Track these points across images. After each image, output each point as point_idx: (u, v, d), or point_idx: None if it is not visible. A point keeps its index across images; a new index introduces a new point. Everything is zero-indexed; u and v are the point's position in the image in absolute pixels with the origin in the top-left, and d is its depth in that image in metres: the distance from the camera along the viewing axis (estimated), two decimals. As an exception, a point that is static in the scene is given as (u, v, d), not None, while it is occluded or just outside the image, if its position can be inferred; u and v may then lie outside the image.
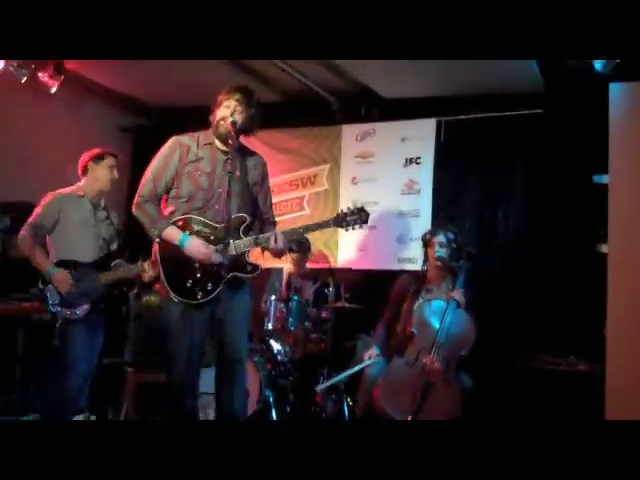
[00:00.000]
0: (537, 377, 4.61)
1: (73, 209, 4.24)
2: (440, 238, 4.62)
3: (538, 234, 5.58)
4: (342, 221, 3.56)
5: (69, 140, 6.27)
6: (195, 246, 3.41)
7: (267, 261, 5.07)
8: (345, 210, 3.59)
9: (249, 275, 3.53)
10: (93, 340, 4.23)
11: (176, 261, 3.44)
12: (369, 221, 6.21)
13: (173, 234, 3.45)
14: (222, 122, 3.50)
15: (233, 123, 3.45)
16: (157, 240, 3.49)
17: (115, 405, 5.01)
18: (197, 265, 3.43)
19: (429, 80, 5.75)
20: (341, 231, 6.38)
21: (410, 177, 6.31)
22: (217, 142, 3.58)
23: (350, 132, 6.55)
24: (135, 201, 3.55)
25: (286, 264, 5.86)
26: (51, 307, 4.04)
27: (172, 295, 3.42)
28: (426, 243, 4.71)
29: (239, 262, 3.48)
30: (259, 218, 3.72)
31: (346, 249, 6.48)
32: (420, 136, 6.26)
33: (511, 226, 5.82)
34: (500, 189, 5.96)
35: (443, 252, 4.57)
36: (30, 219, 4.21)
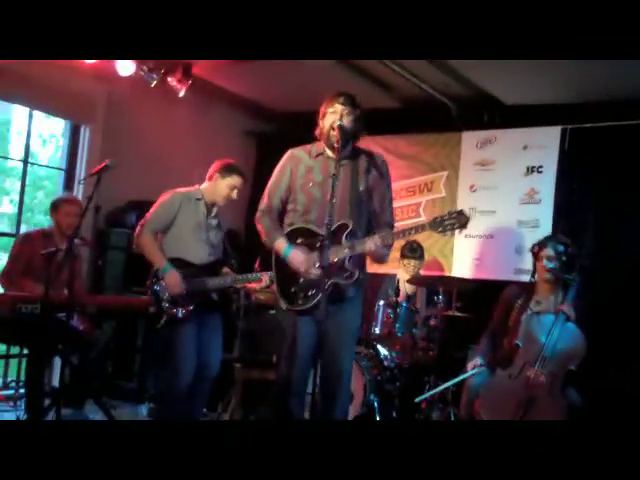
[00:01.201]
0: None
1: (189, 210, 4.27)
2: (549, 250, 4.48)
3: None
4: (439, 225, 3.36)
5: (196, 143, 6.58)
6: (294, 257, 3.51)
7: (382, 267, 5.12)
8: (443, 214, 3.42)
9: (347, 282, 3.48)
10: (205, 340, 4.20)
11: (285, 269, 3.57)
12: (486, 230, 6.26)
13: (280, 246, 3.57)
14: (332, 131, 3.51)
15: (340, 127, 3.46)
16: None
17: (225, 399, 5.16)
18: (300, 273, 3.52)
19: (552, 86, 5.59)
20: (457, 238, 6.40)
21: (531, 186, 6.16)
22: (328, 151, 3.62)
23: (470, 139, 6.47)
24: (256, 215, 3.72)
25: (399, 270, 5.87)
26: (158, 303, 4.12)
27: (280, 302, 3.57)
28: (535, 254, 4.59)
29: (339, 269, 3.46)
30: (375, 220, 3.66)
31: (461, 257, 6.41)
32: (543, 144, 6.10)
33: (636, 240, 5.55)
34: (626, 201, 5.69)
35: (552, 264, 4.44)
36: (148, 216, 4.26)
